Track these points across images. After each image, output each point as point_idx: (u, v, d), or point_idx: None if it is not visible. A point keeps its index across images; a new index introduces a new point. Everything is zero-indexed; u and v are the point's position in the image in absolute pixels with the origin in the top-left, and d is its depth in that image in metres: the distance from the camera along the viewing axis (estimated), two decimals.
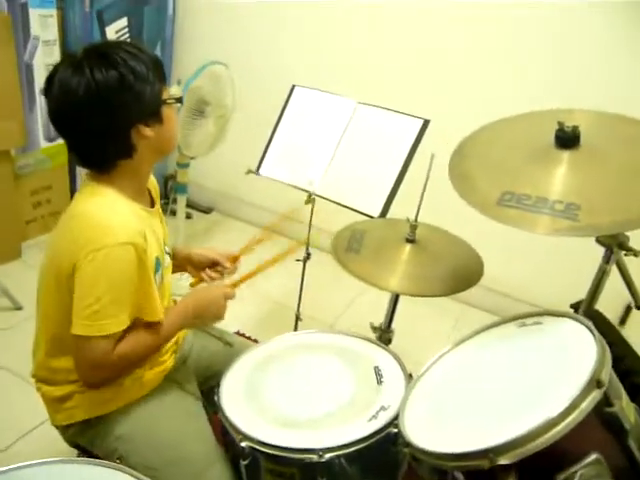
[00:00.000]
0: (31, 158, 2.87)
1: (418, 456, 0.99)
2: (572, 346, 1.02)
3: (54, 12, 2.75)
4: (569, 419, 0.85)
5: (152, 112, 1.17)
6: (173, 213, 2.99)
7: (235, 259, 1.54)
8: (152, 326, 1.22)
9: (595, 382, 0.88)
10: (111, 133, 1.14)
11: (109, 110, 1.11)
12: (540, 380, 0.99)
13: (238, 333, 2.49)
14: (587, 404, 0.86)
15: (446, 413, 1.07)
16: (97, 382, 1.23)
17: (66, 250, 1.13)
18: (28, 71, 2.73)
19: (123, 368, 1.23)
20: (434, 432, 1.03)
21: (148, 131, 1.17)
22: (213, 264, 1.51)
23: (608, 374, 0.91)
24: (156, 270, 1.23)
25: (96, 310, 1.10)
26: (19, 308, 2.43)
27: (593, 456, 0.89)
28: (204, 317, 1.35)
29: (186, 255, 1.51)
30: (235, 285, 1.41)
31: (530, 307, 2.62)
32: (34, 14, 2.67)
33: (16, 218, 2.82)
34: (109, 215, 1.13)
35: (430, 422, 1.07)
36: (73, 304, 1.12)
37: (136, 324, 1.19)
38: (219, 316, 1.35)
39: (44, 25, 2.73)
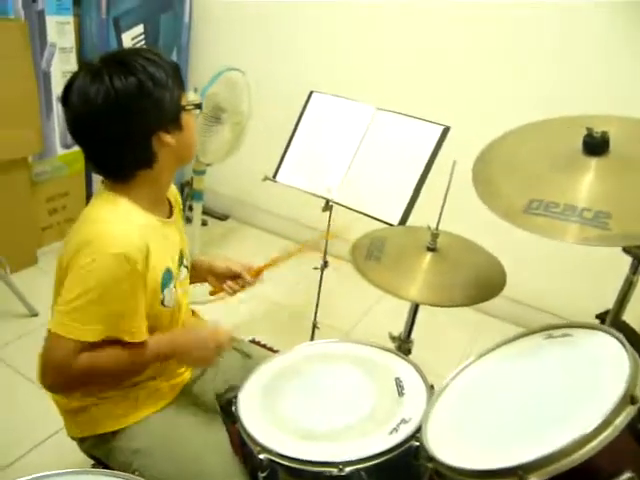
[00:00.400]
0: (48, 165, 2.88)
1: (442, 472, 0.96)
2: (603, 360, 0.98)
3: (71, 19, 2.77)
4: (603, 436, 0.82)
5: (172, 119, 1.16)
6: (189, 220, 2.98)
7: (257, 273, 1.51)
8: (131, 347, 1.16)
9: (629, 398, 0.85)
10: (131, 141, 1.12)
11: (129, 117, 1.10)
12: (570, 394, 0.96)
13: (254, 341, 2.47)
14: (621, 420, 0.83)
15: (471, 427, 1.04)
16: (52, 385, 1.15)
17: (67, 252, 1.11)
18: (45, 78, 2.74)
19: (87, 380, 1.16)
20: (459, 447, 1.00)
21: (169, 138, 1.15)
22: (234, 276, 1.48)
23: None
24: (165, 284, 1.20)
25: (73, 308, 1.06)
26: (35, 314, 2.43)
27: (627, 474, 0.85)
28: (188, 359, 1.30)
29: (208, 266, 1.49)
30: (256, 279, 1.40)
31: (552, 317, 2.62)
32: (51, 21, 2.68)
33: (32, 224, 2.83)
34: (112, 224, 1.11)
35: (454, 436, 1.03)
36: (57, 299, 1.10)
37: (115, 341, 1.14)
38: (205, 362, 1.32)
39: (61, 32, 2.75)
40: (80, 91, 1.09)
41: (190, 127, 1.21)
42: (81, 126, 1.13)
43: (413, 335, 1.78)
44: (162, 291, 1.20)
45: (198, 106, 1.24)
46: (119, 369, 1.18)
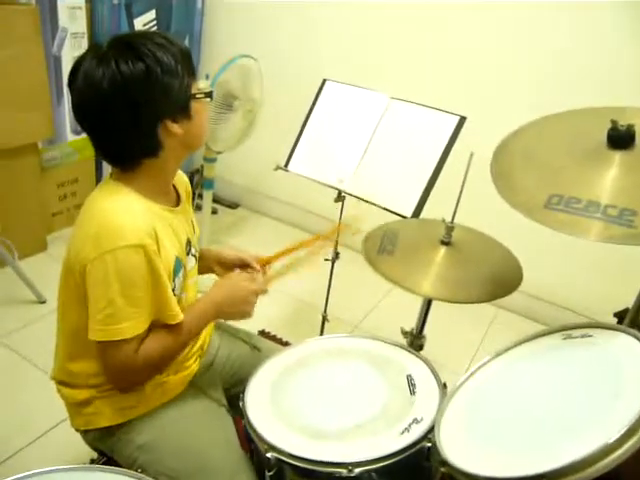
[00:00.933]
0: (58, 151, 2.86)
1: (457, 477, 0.93)
2: (626, 363, 0.94)
3: (83, 4, 2.74)
4: (627, 446, 0.78)
5: (180, 107, 1.11)
6: (199, 208, 2.95)
7: (267, 263, 1.46)
8: (173, 327, 1.17)
9: None
10: (137, 129, 1.08)
11: (135, 104, 1.05)
12: (591, 399, 0.92)
13: (264, 332, 2.45)
14: None
15: (486, 430, 1.00)
16: (126, 386, 1.19)
17: (79, 248, 1.08)
18: (56, 63, 2.72)
19: (152, 370, 1.18)
20: (474, 451, 0.96)
21: (176, 127, 1.11)
22: (243, 265, 1.44)
23: None
24: (176, 272, 1.18)
25: (110, 313, 1.05)
26: (43, 301, 2.42)
27: None
28: (229, 314, 1.29)
29: (215, 255, 1.46)
30: (269, 280, 1.36)
31: (570, 314, 2.57)
32: (62, 6, 2.66)
33: (42, 210, 2.82)
34: (121, 216, 1.08)
35: (469, 439, 1.00)
36: (88, 308, 1.08)
37: (156, 325, 1.14)
38: (246, 314, 1.28)
39: (72, 17, 2.72)
40: (86, 74, 1.05)
41: (200, 116, 1.17)
42: (86, 110, 1.09)
43: (425, 330, 1.74)
44: (173, 279, 1.17)
45: (209, 95, 1.19)
46: (175, 349, 1.19)
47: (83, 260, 1.06)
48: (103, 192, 1.15)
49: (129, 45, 1.06)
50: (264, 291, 1.31)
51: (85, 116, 1.10)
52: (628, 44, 2.25)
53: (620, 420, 0.80)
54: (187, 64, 1.12)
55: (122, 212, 1.09)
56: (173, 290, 1.17)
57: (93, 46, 1.10)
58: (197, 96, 1.15)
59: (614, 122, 1.09)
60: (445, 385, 1.26)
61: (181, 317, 1.16)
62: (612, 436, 0.78)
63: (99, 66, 1.04)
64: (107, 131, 1.10)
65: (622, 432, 0.78)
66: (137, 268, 1.06)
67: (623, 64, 2.28)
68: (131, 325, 1.08)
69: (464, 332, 2.55)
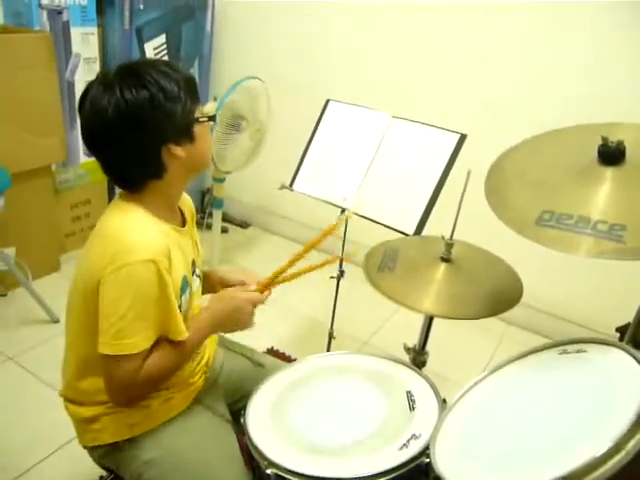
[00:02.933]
0: (71, 173, 2.93)
1: None
2: (618, 379, 0.95)
3: (95, 30, 2.82)
4: (613, 461, 0.78)
5: (183, 131, 1.16)
6: (209, 227, 3.00)
7: (265, 288, 1.40)
8: (176, 343, 1.19)
9: None
10: (141, 152, 1.13)
11: (139, 129, 1.10)
12: (583, 415, 0.93)
13: (272, 350, 2.47)
14: (634, 444, 0.80)
15: (481, 446, 1.01)
16: (127, 402, 1.21)
17: (91, 267, 1.12)
18: (70, 88, 2.80)
19: (151, 386, 1.21)
20: (468, 467, 0.97)
21: (179, 150, 1.15)
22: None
23: None
24: (183, 291, 1.21)
25: (120, 328, 1.08)
26: (56, 321, 2.47)
27: None
28: (229, 326, 1.30)
29: (219, 277, 1.48)
30: (266, 288, 1.37)
31: (576, 328, 2.56)
32: (75, 32, 2.74)
33: (56, 231, 2.88)
34: (133, 233, 1.12)
35: (463, 455, 1.01)
36: (99, 323, 1.10)
37: (160, 341, 1.17)
38: (246, 324, 1.29)
39: (85, 43, 2.80)
40: (92, 101, 1.10)
41: (203, 139, 1.21)
42: (92, 135, 1.14)
43: (429, 346, 1.75)
44: (180, 297, 1.20)
45: (212, 118, 1.24)
46: (176, 364, 1.21)
47: (97, 276, 1.09)
48: (115, 212, 1.19)
49: (134, 73, 1.11)
50: (260, 299, 1.32)
51: (92, 140, 1.15)
52: (627, 61, 2.27)
53: (607, 436, 0.80)
54: (190, 90, 1.16)
55: (136, 229, 1.13)
56: (180, 307, 1.20)
57: (101, 74, 1.15)
58: (200, 120, 1.19)
59: (604, 139, 1.11)
60: (445, 401, 1.27)
61: (186, 334, 1.19)
62: (598, 452, 0.79)
63: (105, 93, 1.09)
64: (113, 154, 1.15)
65: (607, 448, 0.78)
66: (150, 283, 1.09)
67: (620, 80, 2.29)
68: (139, 340, 1.10)
69: (471, 347, 2.55)
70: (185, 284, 1.22)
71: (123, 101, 1.07)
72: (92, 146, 1.16)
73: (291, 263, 1.38)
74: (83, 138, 1.16)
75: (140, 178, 1.16)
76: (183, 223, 1.31)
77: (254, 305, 1.30)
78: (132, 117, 1.09)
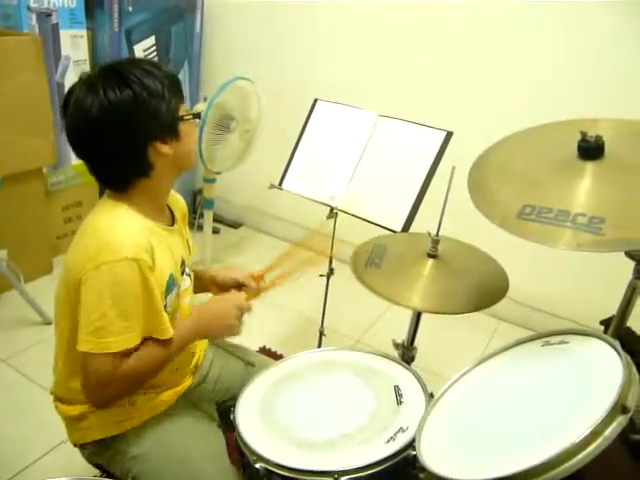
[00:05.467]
0: (62, 175, 2.93)
1: None
2: (598, 368, 0.97)
3: (84, 32, 2.83)
4: (591, 447, 0.80)
5: (169, 129, 1.16)
6: (200, 228, 3.00)
7: (259, 278, 1.49)
8: (160, 342, 1.19)
9: (620, 407, 0.83)
10: (127, 152, 1.13)
11: (124, 129, 1.11)
12: (563, 404, 0.95)
13: (264, 349, 2.48)
14: (611, 431, 0.82)
15: (464, 436, 1.03)
16: (103, 400, 1.20)
17: (73, 264, 1.12)
18: (60, 90, 2.79)
19: (130, 386, 1.20)
20: (451, 456, 0.99)
21: (165, 148, 1.16)
22: (238, 285, 1.47)
23: (635, 398, 0.85)
24: (169, 290, 1.21)
25: (100, 326, 1.08)
26: (49, 323, 2.47)
27: None
28: (215, 331, 1.32)
29: (211, 277, 1.49)
30: (254, 296, 1.38)
31: (565, 322, 2.58)
32: (65, 35, 2.74)
33: (47, 233, 2.88)
34: (116, 231, 1.12)
35: (447, 446, 1.02)
36: (79, 320, 1.10)
37: (143, 340, 1.17)
38: (232, 329, 1.30)
39: (75, 45, 2.80)
40: (77, 102, 1.11)
41: (188, 136, 1.22)
42: (78, 136, 1.15)
43: (421, 343, 1.76)
44: (166, 297, 1.20)
45: (197, 115, 1.25)
46: (156, 366, 1.20)
47: (78, 274, 1.09)
48: (101, 209, 1.19)
49: (117, 72, 1.11)
50: (248, 305, 1.33)
51: (77, 141, 1.15)
52: (612, 57, 2.30)
53: (586, 423, 0.82)
54: (174, 88, 1.17)
55: (119, 228, 1.13)
56: (165, 306, 1.21)
57: (84, 75, 1.15)
58: (185, 117, 1.20)
59: (583, 133, 1.13)
60: (432, 395, 1.29)
61: (172, 333, 1.19)
62: (577, 438, 0.80)
63: (89, 93, 1.09)
64: (99, 155, 1.15)
65: (585, 434, 0.80)
66: (131, 282, 1.09)
67: (604, 76, 2.33)
68: (121, 339, 1.10)
69: (464, 345, 2.56)
70: (171, 283, 1.22)
71: (107, 101, 1.08)
72: (78, 147, 1.16)
73: (279, 261, 1.41)
74: (69, 139, 1.16)
75: (127, 177, 1.17)
76: (172, 222, 1.32)
77: (242, 311, 1.30)
78: (116, 117, 1.09)
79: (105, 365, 1.11)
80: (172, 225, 1.30)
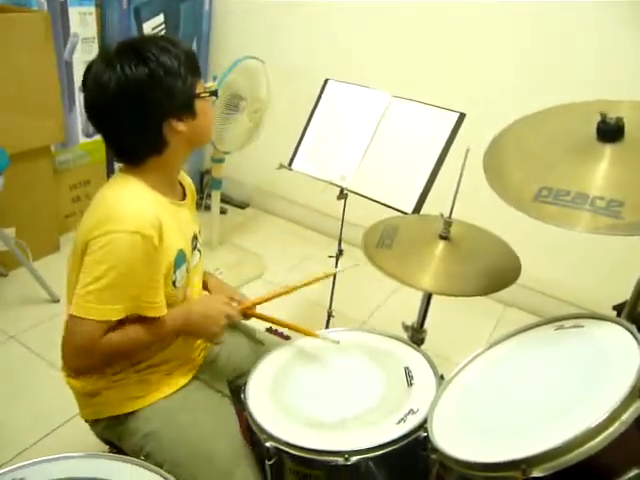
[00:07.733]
0: (70, 153, 2.92)
1: (447, 463, 0.95)
2: (613, 352, 0.96)
3: (93, 10, 2.80)
4: (608, 431, 0.80)
5: (184, 106, 1.17)
6: (208, 208, 2.99)
7: (246, 311, 1.44)
8: (150, 322, 1.18)
9: (638, 392, 0.83)
10: (143, 127, 1.14)
11: (140, 105, 1.11)
12: (578, 387, 0.94)
13: (271, 330, 2.48)
14: (628, 415, 0.81)
15: (477, 418, 1.02)
16: (79, 368, 1.21)
17: (84, 231, 1.13)
18: (68, 68, 2.78)
19: (109, 359, 1.19)
20: (464, 438, 0.99)
21: (181, 125, 1.17)
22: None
23: None
24: (178, 265, 1.21)
25: (91, 291, 1.08)
26: (56, 300, 2.48)
27: (634, 472, 0.83)
28: (201, 330, 1.29)
29: (211, 284, 1.49)
30: (248, 307, 1.42)
31: (574, 308, 2.57)
32: (73, 12, 2.72)
33: (55, 212, 2.88)
34: (125, 202, 1.12)
35: (460, 427, 1.02)
36: (77, 284, 1.11)
37: (131, 318, 1.16)
38: (213, 335, 1.29)
39: (83, 23, 2.77)
40: (95, 77, 1.12)
41: (205, 114, 1.22)
42: (95, 110, 1.16)
43: (429, 326, 1.76)
44: (174, 272, 1.21)
45: (214, 93, 1.24)
46: (139, 345, 1.20)
47: (85, 238, 1.10)
48: (114, 182, 1.21)
49: (134, 49, 1.12)
50: (237, 317, 1.34)
51: (95, 115, 1.17)
52: (626, 42, 2.26)
53: (603, 407, 0.82)
54: (191, 65, 1.17)
55: (128, 200, 1.14)
56: (174, 282, 1.21)
57: (103, 50, 1.17)
58: (202, 95, 1.20)
59: (603, 115, 1.11)
60: (442, 377, 1.29)
61: (164, 311, 1.19)
62: (593, 423, 0.80)
63: (106, 69, 1.10)
64: (115, 129, 1.17)
65: (603, 418, 0.79)
66: (132, 255, 1.09)
67: (620, 58, 2.28)
68: (107, 309, 1.09)
69: (472, 328, 2.56)
70: (181, 258, 1.22)
71: (123, 77, 1.09)
72: (95, 120, 1.17)
73: (273, 297, 1.42)
74: (87, 112, 1.17)
75: (141, 152, 1.18)
76: (184, 197, 1.32)
77: (228, 319, 1.30)
78: (132, 93, 1.10)
79: (88, 332, 1.10)
80: (183, 199, 1.30)
